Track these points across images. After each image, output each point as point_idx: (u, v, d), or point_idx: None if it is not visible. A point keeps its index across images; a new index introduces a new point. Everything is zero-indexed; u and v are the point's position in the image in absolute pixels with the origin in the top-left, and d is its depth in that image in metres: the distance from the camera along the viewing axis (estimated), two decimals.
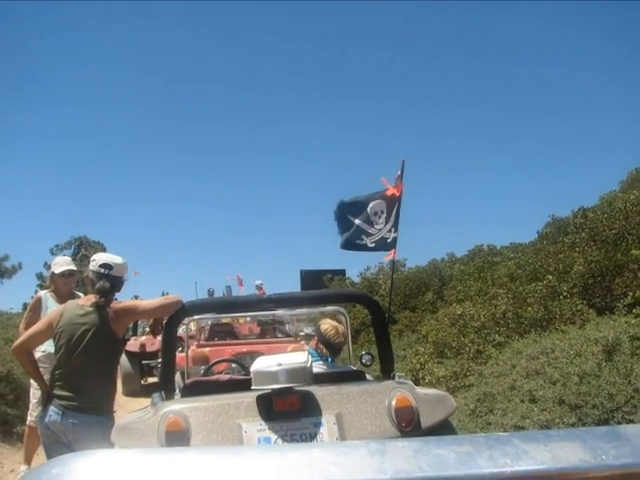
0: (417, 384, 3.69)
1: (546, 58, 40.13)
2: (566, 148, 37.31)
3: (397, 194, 4.64)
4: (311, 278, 13.21)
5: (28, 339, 2.39)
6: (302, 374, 1.82)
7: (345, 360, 3.24)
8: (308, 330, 6.56)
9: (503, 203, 35.13)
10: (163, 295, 2.78)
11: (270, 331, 7.08)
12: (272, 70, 48.78)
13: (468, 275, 9.18)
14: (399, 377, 2.16)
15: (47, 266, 18.61)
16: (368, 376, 2.42)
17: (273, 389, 1.81)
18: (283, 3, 48.05)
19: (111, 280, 2.42)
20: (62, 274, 3.53)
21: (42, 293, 3.68)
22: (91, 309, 2.35)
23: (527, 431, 3.13)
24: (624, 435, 0.57)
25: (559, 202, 33.90)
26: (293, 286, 15.75)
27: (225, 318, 6.60)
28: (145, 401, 2.43)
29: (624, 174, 12.92)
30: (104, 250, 17.50)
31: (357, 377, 2.24)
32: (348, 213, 4.75)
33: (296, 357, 1.95)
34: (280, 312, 4.66)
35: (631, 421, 3.26)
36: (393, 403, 1.86)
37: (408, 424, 1.83)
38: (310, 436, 1.78)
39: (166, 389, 2.15)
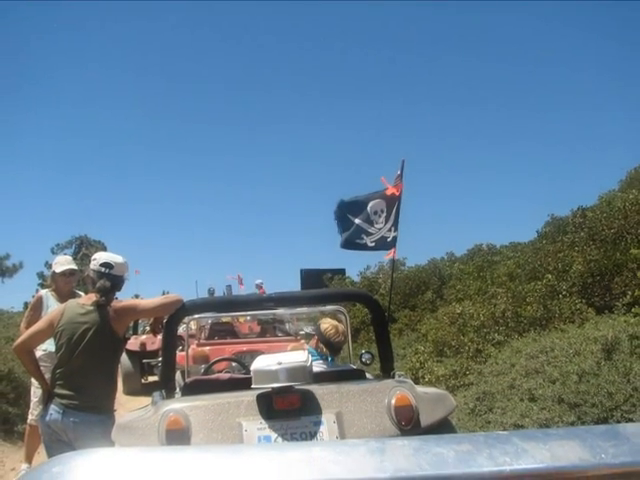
0: (417, 383, 3.69)
1: (545, 58, 40.20)
2: (565, 148, 37.37)
3: (397, 193, 4.64)
4: (311, 277, 13.22)
5: (29, 338, 2.39)
6: (302, 373, 1.83)
7: (345, 359, 3.24)
8: (308, 329, 6.56)
9: (503, 202, 35.18)
10: (163, 294, 2.79)
11: (270, 330, 7.09)
12: (272, 70, 48.81)
13: (468, 274, 9.19)
14: (399, 376, 2.16)
15: (48, 265, 18.63)
16: (368, 375, 2.42)
17: (273, 388, 1.81)
18: (283, 3, 48.07)
19: (112, 279, 2.42)
20: (63, 273, 3.53)
21: (43, 292, 3.69)
22: (92, 308, 2.35)
23: (526, 430, 3.13)
24: (623, 434, 0.57)
25: (558, 201, 33.94)
26: (293, 285, 15.77)
27: (225, 317, 6.61)
28: (145, 400, 2.43)
29: (623, 174, 12.94)
30: (105, 249, 17.48)
31: (357, 376, 2.24)
32: (348, 212, 4.75)
33: (296, 356, 1.95)
34: (280, 311, 4.67)
35: (630, 420, 3.26)
36: (393, 402, 1.86)
37: (408, 423, 1.83)
38: (310, 435, 1.78)
39: (166, 388, 2.15)
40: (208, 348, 5.98)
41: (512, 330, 5.74)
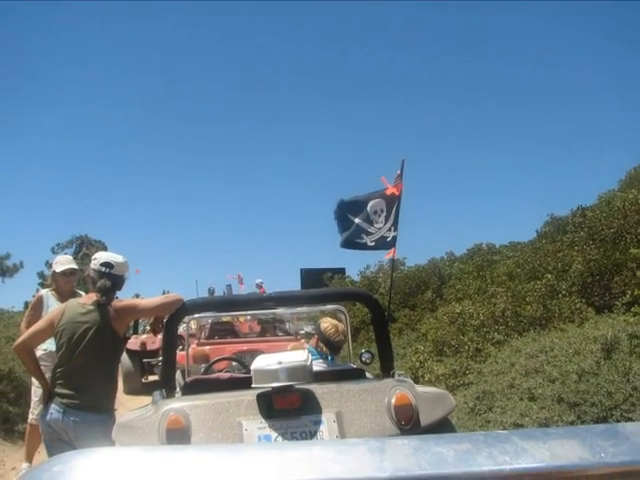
0: (416, 382, 3.69)
1: (545, 58, 40.22)
2: (565, 147, 37.41)
3: (397, 193, 4.64)
4: (311, 277, 13.23)
5: (30, 337, 2.39)
6: (302, 372, 1.83)
7: (345, 358, 3.25)
8: (308, 328, 6.57)
9: (502, 202, 35.22)
10: (164, 293, 2.79)
11: (270, 329, 7.08)
12: (272, 70, 48.81)
13: (467, 274, 9.19)
14: (399, 375, 2.16)
15: (48, 265, 18.60)
16: (368, 374, 2.42)
17: (273, 387, 1.82)
18: (283, 3, 48.08)
19: (112, 279, 2.43)
20: (63, 273, 3.53)
21: (43, 292, 3.69)
22: (92, 307, 2.36)
23: (526, 429, 3.13)
24: (623, 433, 0.57)
25: (558, 201, 34.03)
26: (293, 285, 15.78)
27: (225, 316, 6.60)
28: (146, 399, 2.43)
29: (623, 173, 12.97)
30: (105, 249, 17.49)
31: (357, 375, 2.24)
32: (348, 212, 4.75)
33: (296, 355, 1.95)
34: (280, 311, 4.66)
35: (630, 419, 3.27)
36: (393, 401, 1.86)
37: (408, 422, 1.83)
38: (310, 434, 1.79)
39: (167, 387, 2.15)
40: (208, 347, 5.98)
41: (512, 329, 5.74)
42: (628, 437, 0.56)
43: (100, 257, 2.51)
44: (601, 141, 35.40)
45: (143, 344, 7.61)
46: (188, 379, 2.61)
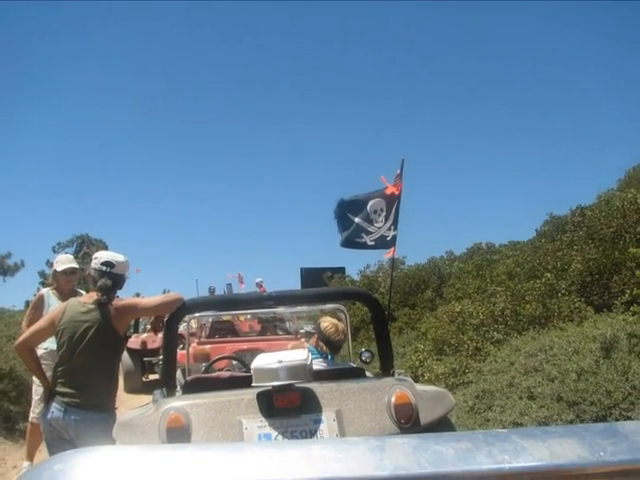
0: (416, 381, 3.69)
1: (544, 57, 40.19)
2: (564, 147, 37.40)
3: (396, 192, 4.64)
4: (311, 276, 13.23)
5: (30, 336, 2.40)
6: (302, 371, 1.83)
7: (345, 357, 3.25)
8: (308, 328, 6.56)
9: (502, 202, 35.23)
10: (164, 293, 2.79)
11: (270, 328, 7.09)
12: (272, 70, 48.77)
13: (467, 273, 9.19)
14: (398, 374, 2.16)
15: (49, 264, 18.65)
16: (368, 373, 2.43)
17: (273, 386, 1.82)
18: (283, 3, 48.01)
19: (113, 278, 2.43)
20: (64, 272, 3.54)
21: (44, 291, 3.69)
22: (93, 307, 2.36)
23: (525, 428, 3.13)
24: (622, 432, 0.57)
25: (557, 200, 34.03)
26: (293, 284, 15.75)
27: (226, 315, 6.61)
28: (146, 398, 2.44)
29: (622, 173, 12.96)
30: (106, 248, 17.52)
31: (357, 374, 2.25)
32: (348, 211, 4.75)
33: (296, 354, 1.95)
34: (280, 310, 4.67)
35: (629, 418, 3.27)
36: (392, 400, 1.86)
37: (407, 421, 1.83)
38: (310, 433, 1.79)
39: (167, 386, 2.16)
40: (209, 346, 5.99)
41: (511, 328, 5.74)
42: (627, 436, 0.56)
43: (101, 256, 2.51)
44: (600, 141, 35.43)
45: (144, 343, 7.62)
46: (188, 378, 2.61)
